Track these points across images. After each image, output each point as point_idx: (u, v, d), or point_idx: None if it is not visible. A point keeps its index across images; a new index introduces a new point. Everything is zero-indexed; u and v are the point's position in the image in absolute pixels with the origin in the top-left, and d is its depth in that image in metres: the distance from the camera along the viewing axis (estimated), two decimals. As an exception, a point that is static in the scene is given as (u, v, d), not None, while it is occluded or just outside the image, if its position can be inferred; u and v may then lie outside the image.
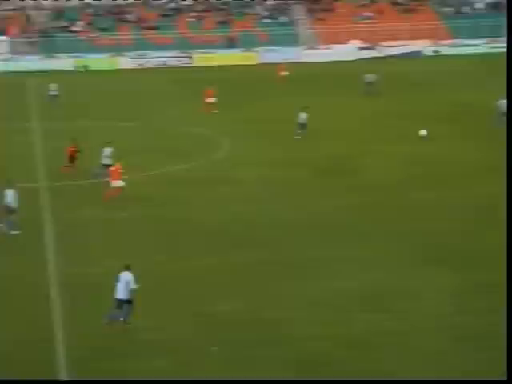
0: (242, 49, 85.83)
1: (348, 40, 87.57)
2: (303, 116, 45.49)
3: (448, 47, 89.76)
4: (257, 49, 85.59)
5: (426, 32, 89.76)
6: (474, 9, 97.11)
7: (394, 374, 18.46)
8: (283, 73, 68.90)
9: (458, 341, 20.09)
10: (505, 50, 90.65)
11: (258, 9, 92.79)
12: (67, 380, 19.06)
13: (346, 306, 22.48)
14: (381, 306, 22.45)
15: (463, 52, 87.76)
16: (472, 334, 20.44)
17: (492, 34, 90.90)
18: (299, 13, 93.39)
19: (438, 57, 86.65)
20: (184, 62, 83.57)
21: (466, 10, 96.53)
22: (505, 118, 45.06)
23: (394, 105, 55.08)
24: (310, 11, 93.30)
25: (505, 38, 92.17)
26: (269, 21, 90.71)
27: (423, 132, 28.88)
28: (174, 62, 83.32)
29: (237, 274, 25.23)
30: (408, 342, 20.17)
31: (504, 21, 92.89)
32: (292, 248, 27.46)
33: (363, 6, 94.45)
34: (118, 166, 33.86)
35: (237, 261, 26.32)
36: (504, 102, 45.74)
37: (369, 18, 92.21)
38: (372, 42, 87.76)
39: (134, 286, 21.26)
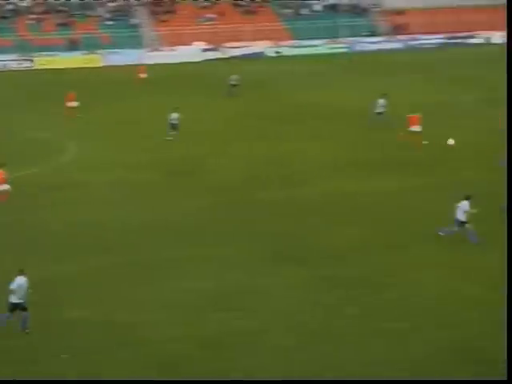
0: (85, 51, 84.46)
1: (192, 41, 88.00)
2: (174, 116, 45.17)
3: (289, 48, 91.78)
4: (100, 51, 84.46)
5: (267, 33, 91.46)
6: (313, 10, 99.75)
7: (250, 374, 18.70)
8: (142, 75, 68.58)
9: (313, 337, 20.53)
10: (342, 50, 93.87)
11: (100, 11, 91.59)
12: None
13: (202, 306, 22.49)
14: (236, 304, 22.59)
15: (304, 53, 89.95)
16: (326, 331, 20.92)
17: (330, 35, 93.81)
18: (142, 15, 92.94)
19: (280, 57, 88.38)
20: (25, 65, 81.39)
21: (304, 11, 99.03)
22: (379, 117, 45.87)
23: (248, 106, 55.76)
24: (153, 13, 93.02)
25: (343, 39, 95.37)
26: (111, 23, 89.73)
27: (451, 141, 29.53)
28: (14, 65, 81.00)
29: (89, 279, 24.84)
30: (265, 340, 20.39)
31: (341, 22, 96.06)
32: (147, 250, 27.30)
33: (205, 7, 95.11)
34: (1, 171, 33.29)
35: (89, 265, 25.91)
36: (381, 101, 46.22)
37: (211, 19, 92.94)
38: (215, 43, 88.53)
39: (28, 290, 20.90)
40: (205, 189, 34.78)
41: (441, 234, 26.97)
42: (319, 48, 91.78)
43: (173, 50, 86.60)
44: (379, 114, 46.16)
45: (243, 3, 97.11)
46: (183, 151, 41.73)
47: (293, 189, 34.41)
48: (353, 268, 24.88)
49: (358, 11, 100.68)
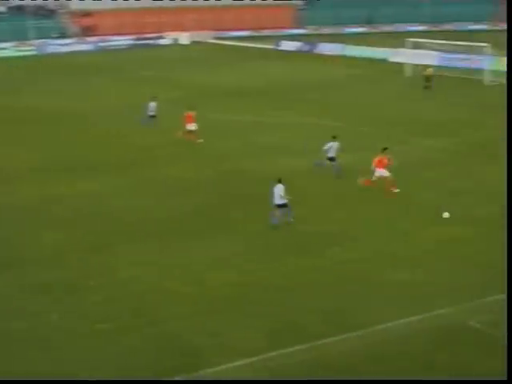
0: None
1: None
2: None
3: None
4: None
5: None
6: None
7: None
8: None
9: (19, 345, 20.07)
10: (32, 52, 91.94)
11: None
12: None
13: None
14: None
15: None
16: (32, 338, 20.52)
17: (18, 37, 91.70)
18: None
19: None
20: None
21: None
22: (152, 119, 45.98)
23: None
24: None
25: (32, 41, 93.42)
26: None
27: (446, 214, 28.54)
28: None
29: None
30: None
31: (28, 24, 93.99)
32: None
33: None
34: None
35: None
36: (153, 104, 46.24)
37: None
38: None
39: None
40: None
41: (274, 223, 27.21)
42: (6, 51, 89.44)
43: None
44: (151, 116, 46.32)
45: None
46: None
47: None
48: (56, 272, 24.50)
49: (45, 13, 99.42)
